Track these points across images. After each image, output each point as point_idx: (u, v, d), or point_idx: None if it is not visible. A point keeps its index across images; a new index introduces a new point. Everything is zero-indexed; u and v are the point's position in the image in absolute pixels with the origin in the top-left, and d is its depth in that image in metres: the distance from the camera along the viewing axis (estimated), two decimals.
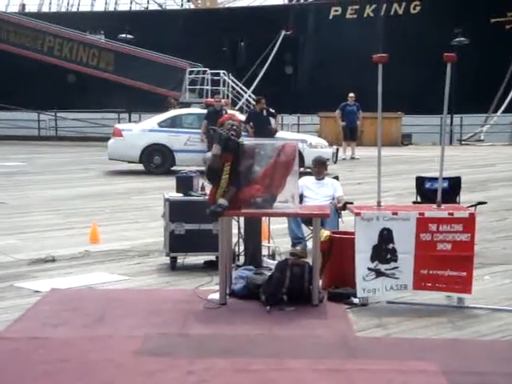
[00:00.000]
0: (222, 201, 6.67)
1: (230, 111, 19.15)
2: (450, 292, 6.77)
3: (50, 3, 39.79)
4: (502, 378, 5.09)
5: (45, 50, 29.62)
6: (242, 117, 19.32)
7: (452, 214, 6.72)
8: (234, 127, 6.86)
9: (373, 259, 6.66)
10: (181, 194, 8.28)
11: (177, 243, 8.08)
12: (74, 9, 39.85)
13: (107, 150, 19.01)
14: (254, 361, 5.34)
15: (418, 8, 31.70)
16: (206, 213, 6.88)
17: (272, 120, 18.71)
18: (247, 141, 7.27)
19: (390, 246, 6.65)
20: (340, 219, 8.78)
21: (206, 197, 7.61)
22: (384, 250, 6.65)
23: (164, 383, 4.93)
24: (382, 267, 6.67)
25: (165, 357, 5.43)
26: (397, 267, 6.67)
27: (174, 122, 18.80)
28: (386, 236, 6.64)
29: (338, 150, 19.83)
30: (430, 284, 6.71)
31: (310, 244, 8.18)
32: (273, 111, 18.73)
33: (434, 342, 5.84)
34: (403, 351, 5.62)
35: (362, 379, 5.04)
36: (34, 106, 30.22)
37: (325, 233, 7.31)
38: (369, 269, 6.67)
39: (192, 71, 27.56)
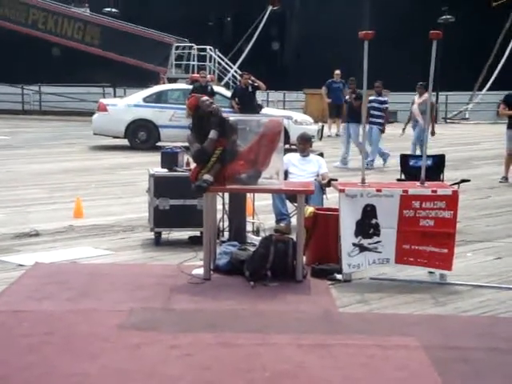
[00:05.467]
0: (207, 176, 6.68)
1: (215, 87, 19.11)
2: (431, 268, 6.84)
3: None
4: (482, 353, 5.15)
5: (29, 22, 29.29)
6: (228, 93, 19.28)
7: (435, 191, 6.76)
8: (214, 105, 6.91)
9: (356, 234, 6.71)
10: (166, 170, 8.28)
11: (161, 218, 8.09)
12: None
13: (92, 125, 18.91)
14: (238, 335, 5.38)
15: None
16: (190, 188, 6.88)
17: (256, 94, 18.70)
18: (232, 117, 7.26)
19: (374, 221, 6.70)
20: (324, 196, 8.82)
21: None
22: (367, 224, 6.70)
23: (148, 357, 4.96)
24: (365, 242, 6.72)
25: (149, 331, 5.45)
26: (379, 241, 6.72)
27: (159, 98, 18.72)
28: (369, 211, 6.69)
29: (323, 126, 19.83)
30: (412, 259, 6.77)
31: (294, 220, 8.21)
32: (256, 84, 18.61)
33: (416, 318, 5.90)
34: (385, 327, 5.68)
35: (344, 354, 5.09)
36: (18, 80, 29.92)
37: (309, 209, 7.34)
38: (353, 244, 6.72)
39: (178, 46, 27.39)
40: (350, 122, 15.67)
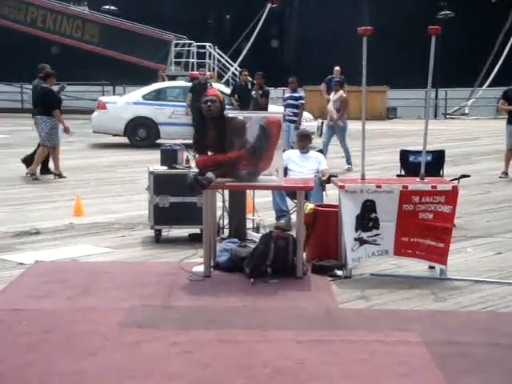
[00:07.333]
0: (210, 174, 6.66)
1: (214, 84, 19.10)
2: (428, 261, 6.86)
3: None
4: (482, 347, 5.15)
5: (28, 21, 29.28)
6: (227, 90, 19.27)
7: (435, 186, 6.76)
8: (210, 102, 6.77)
9: (356, 229, 6.71)
10: (165, 167, 8.27)
11: (161, 216, 8.08)
12: None
13: (91, 123, 18.93)
14: (239, 332, 5.38)
15: None
16: (188, 181, 6.78)
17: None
18: (232, 113, 7.25)
19: (373, 215, 6.71)
20: (324, 192, 8.81)
21: (191, 170, 7.62)
22: (366, 218, 6.71)
23: (148, 354, 4.96)
24: (365, 235, 6.73)
25: (149, 328, 5.45)
26: (378, 234, 6.74)
27: (158, 95, 18.73)
28: (368, 206, 6.69)
29: (322, 123, 19.78)
30: (410, 251, 6.79)
31: (294, 217, 8.20)
32: (255, 82, 18.56)
33: (417, 314, 5.90)
34: (386, 322, 5.67)
35: (345, 350, 5.09)
36: (17, 78, 29.92)
37: (309, 206, 7.33)
38: (354, 239, 6.73)
39: (177, 44, 27.37)
40: None
